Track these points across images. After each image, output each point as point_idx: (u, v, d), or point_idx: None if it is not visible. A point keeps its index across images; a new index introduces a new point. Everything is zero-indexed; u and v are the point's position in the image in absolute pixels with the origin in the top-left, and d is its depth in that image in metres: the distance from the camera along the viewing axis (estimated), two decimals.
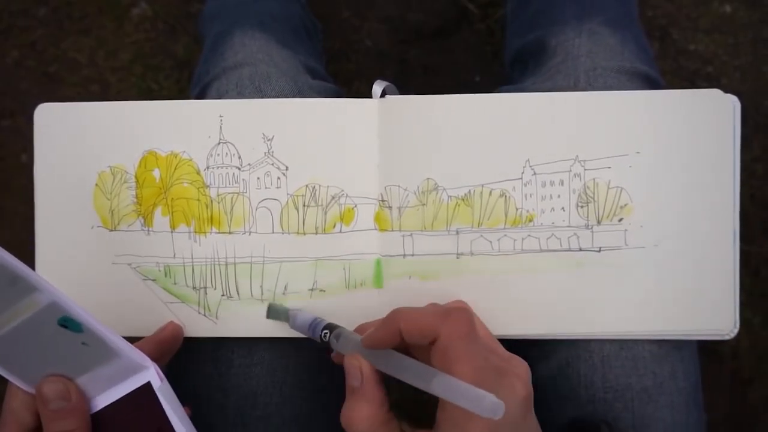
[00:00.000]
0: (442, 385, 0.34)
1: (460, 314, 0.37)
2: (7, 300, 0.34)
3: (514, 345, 0.51)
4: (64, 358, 0.37)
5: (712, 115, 0.46)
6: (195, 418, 0.42)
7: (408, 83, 1.03)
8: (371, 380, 0.38)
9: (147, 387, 0.39)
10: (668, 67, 1.02)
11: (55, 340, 0.36)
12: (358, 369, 0.38)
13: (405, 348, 0.39)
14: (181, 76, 1.05)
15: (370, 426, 0.37)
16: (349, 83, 1.03)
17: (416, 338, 0.37)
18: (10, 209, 1.03)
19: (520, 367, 0.38)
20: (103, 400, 0.39)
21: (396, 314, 0.38)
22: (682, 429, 0.48)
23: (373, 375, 0.38)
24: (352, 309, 0.48)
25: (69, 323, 0.35)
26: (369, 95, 0.48)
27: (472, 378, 0.34)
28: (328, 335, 0.42)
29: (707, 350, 0.99)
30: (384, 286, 0.48)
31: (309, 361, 0.51)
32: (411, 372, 0.36)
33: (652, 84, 0.53)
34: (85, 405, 0.39)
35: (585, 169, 0.47)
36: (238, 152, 0.48)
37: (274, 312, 0.47)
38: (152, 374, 0.39)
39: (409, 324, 0.37)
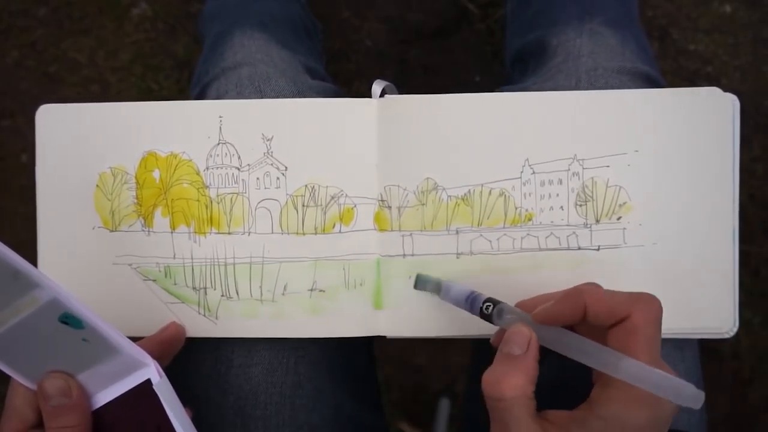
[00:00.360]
0: (633, 370, 0.33)
1: (652, 298, 0.36)
2: (9, 296, 0.34)
3: None
4: (65, 354, 0.37)
5: (711, 114, 0.46)
6: (194, 418, 0.42)
7: (408, 83, 1.03)
8: (534, 352, 0.37)
9: (147, 384, 0.39)
10: (668, 67, 1.02)
11: (57, 337, 0.36)
12: (527, 338, 0.37)
13: (570, 327, 0.38)
14: (181, 76, 1.05)
15: (520, 397, 0.35)
16: (349, 83, 1.03)
17: (603, 317, 0.36)
18: (10, 209, 1.03)
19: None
20: (103, 396, 0.39)
21: (581, 290, 0.37)
22: (683, 429, 0.48)
23: (537, 348, 0.37)
24: (352, 309, 0.48)
25: (70, 320, 0.35)
26: (369, 95, 0.48)
27: (656, 365, 0.33)
28: (490, 308, 0.41)
29: (707, 350, 0.99)
30: (384, 285, 0.48)
31: (308, 361, 0.51)
32: (591, 353, 0.35)
33: (653, 84, 0.53)
34: (85, 402, 0.39)
35: (584, 168, 0.47)
36: (237, 152, 0.48)
37: (422, 282, 0.46)
38: (152, 371, 0.39)
39: (598, 302, 0.36)
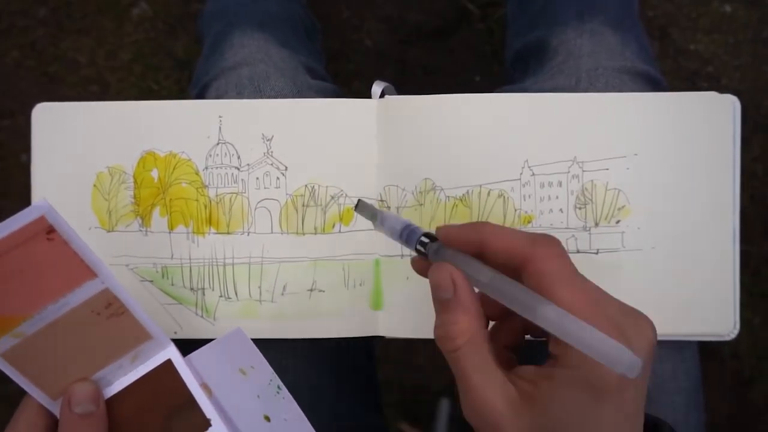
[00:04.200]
0: (551, 316, 0.29)
1: (550, 240, 0.33)
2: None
3: None
4: (93, 351, 0.37)
5: (710, 117, 0.46)
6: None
7: (407, 83, 1.03)
8: (465, 288, 0.33)
9: (166, 364, 0.39)
10: (668, 67, 1.02)
11: (92, 332, 0.36)
12: (449, 277, 0.33)
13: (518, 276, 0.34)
14: (181, 76, 1.05)
15: (469, 343, 0.32)
16: (349, 83, 1.03)
17: (501, 257, 0.33)
18: (10, 209, 1.03)
19: (644, 315, 0.33)
20: (118, 384, 0.39)
21: (483, 226, 0.34)
22: (683, 429, 0.48)
23: (466, 283, 0.33)
24: (352, 309, 0.48)
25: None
26: (368, 95, 0.48)
27: (585, 312, 0.30)
28: (426, 247, 0.36)
29: (707, 350, 0.99)
30: (382, 286, 0.47)
31: (306, 361, 0.51)
32: (512, 295, 0.31)
33: (653, 84, 0.53)
34: (105, 414, 0.38)
35: (583, 171, 0.47)
36: (237, 152, 0.48)
37: (362, 207, 0.40)
38: (173, 351, 0.39)
39: (496, 239, 0.33)
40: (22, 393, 0.37)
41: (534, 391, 0.31)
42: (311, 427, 0.38)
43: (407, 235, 0.37)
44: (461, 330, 0.33)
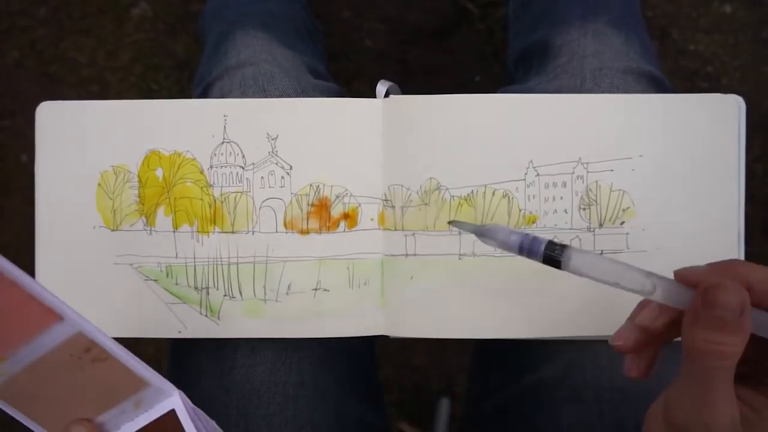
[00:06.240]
0: None
1: None
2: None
3: (519, 345, 0.51)
4: (87, 396, 0.36)
5: (715, 118, 0.46)
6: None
7: (408, 83, 1.03)
8: (748, 313, 0.31)
9: (171, 414, 0.38)
10: (668, 67, 1.02)
11: (78, 375, 0.35)
12: (741, 300, 0.30)
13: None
14: (181, 76, 1.05)
15: (731, 365, 0.31)
16: (349, 83, 1.03)
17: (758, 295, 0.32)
18: (10, 209, 1.03)
19: None
20: (125, 430, 0.38)
21: (741, 266, 0.32)
22: None
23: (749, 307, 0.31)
24: (356, 308, 0.48)
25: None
26: (369, 95, 0.48)
27: None
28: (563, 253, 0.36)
29: None
30: (386, 285, 0.47)
31: (311, 361, 0.51)
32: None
33: (657, 84, 0.53)
34: None
35: (588, 172, 0.47)
36: (242, 151, 0.48)
37: (458, 225, 0.41)
38: (176, 401, 0.38)
39: (756, 275, 0.32)
40: None
41: (755, 419, 0.32)
42: None
43: (528, 246, 0.36)
44: (734, 353, 0.31)
